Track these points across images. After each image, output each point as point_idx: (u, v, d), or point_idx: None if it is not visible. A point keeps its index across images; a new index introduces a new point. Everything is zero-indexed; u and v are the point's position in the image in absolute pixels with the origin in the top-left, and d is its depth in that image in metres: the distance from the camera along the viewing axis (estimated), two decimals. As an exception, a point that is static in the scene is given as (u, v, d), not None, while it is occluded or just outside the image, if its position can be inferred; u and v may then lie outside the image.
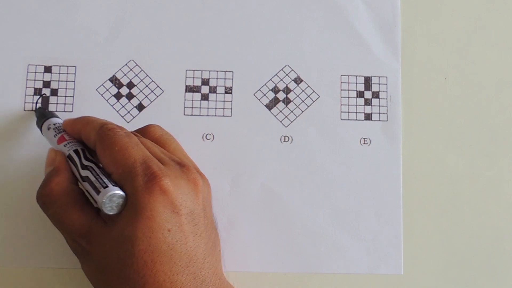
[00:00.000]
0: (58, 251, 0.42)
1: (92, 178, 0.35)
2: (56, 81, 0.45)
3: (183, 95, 0.45)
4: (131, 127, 0.44)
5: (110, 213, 0.34)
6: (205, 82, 0.45)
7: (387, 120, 0.45)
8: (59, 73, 0.45)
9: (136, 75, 0.45)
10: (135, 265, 0.33)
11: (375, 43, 0.46)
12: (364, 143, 0.45)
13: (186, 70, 0.45)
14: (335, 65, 0.46)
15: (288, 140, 0.45)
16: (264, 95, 0.45)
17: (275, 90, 0.45)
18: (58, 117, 0.42)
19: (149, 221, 0.33)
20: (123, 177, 0.35)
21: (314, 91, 0.46)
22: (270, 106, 0.45)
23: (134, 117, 0.45)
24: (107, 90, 0.45)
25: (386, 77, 0.46)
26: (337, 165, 0.44)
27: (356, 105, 0.45)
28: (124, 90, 0.45)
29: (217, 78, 0.45)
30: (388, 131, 0.45)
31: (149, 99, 0.45)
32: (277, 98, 0.45)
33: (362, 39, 0.46)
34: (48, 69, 0.45)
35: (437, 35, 0.47)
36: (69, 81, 0.45)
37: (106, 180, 0.35)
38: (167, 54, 0.46)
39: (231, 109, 0.45)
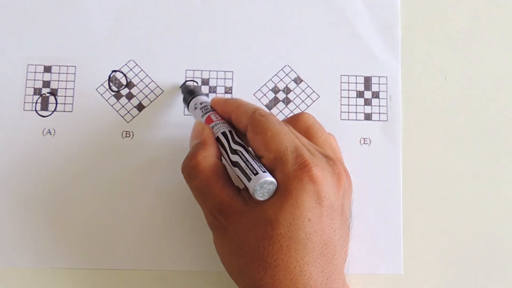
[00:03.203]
0: (58, 251, 0.42)
1: (242, 164, 0.36)
2: (56, 81, 0.45)
3: (183, 95, 0.45)
4: (131, 127, 0.44)
5: (261, 199, 0.35)
6: (205, 82, 0.45)
7: (387, 120, 0.45)
8: (59, 73, 0.45)
9: (136, 75, 0.45)
10: (270, 247, 0.34)
11: (375, 43, 0.46)
12: (364, 143, 0.45)
13: (186, 70, 0.45)
14: (335, 65, 0.46)
15: (288, 140, 0.45)
16: (264, 95, 0.45)
17: (275, 90, 0.45)
18: (203, 94, 0.43)
19: (293, 207, 0.34)
20: (274, 162, 0.35)
21: (314, 91, 0.46)
22: (270, 106, 0.45)
23: (134, 117, 0.45)
24: (107, 90, 0.45)
25: (386, 77, 0.46)
26: (337, 165, 0.44)
27: (356, 105, 0.45)
28: (124, 90, 0.45)
29: (217, 78, 0.45)
30: (388, 131, 0.45)
31: (149, 99, 0.45)
32: (277, 98, 0.45)
33: (362, 39, 0.46)
34: (48, 69, 0.45)
35: (437, 35, 0.47)
36: (69, 81, 0.45)
37: (256, 166, 0.35)
38: (167, 54, 0.46)
39: (231, 109, 0.45)
